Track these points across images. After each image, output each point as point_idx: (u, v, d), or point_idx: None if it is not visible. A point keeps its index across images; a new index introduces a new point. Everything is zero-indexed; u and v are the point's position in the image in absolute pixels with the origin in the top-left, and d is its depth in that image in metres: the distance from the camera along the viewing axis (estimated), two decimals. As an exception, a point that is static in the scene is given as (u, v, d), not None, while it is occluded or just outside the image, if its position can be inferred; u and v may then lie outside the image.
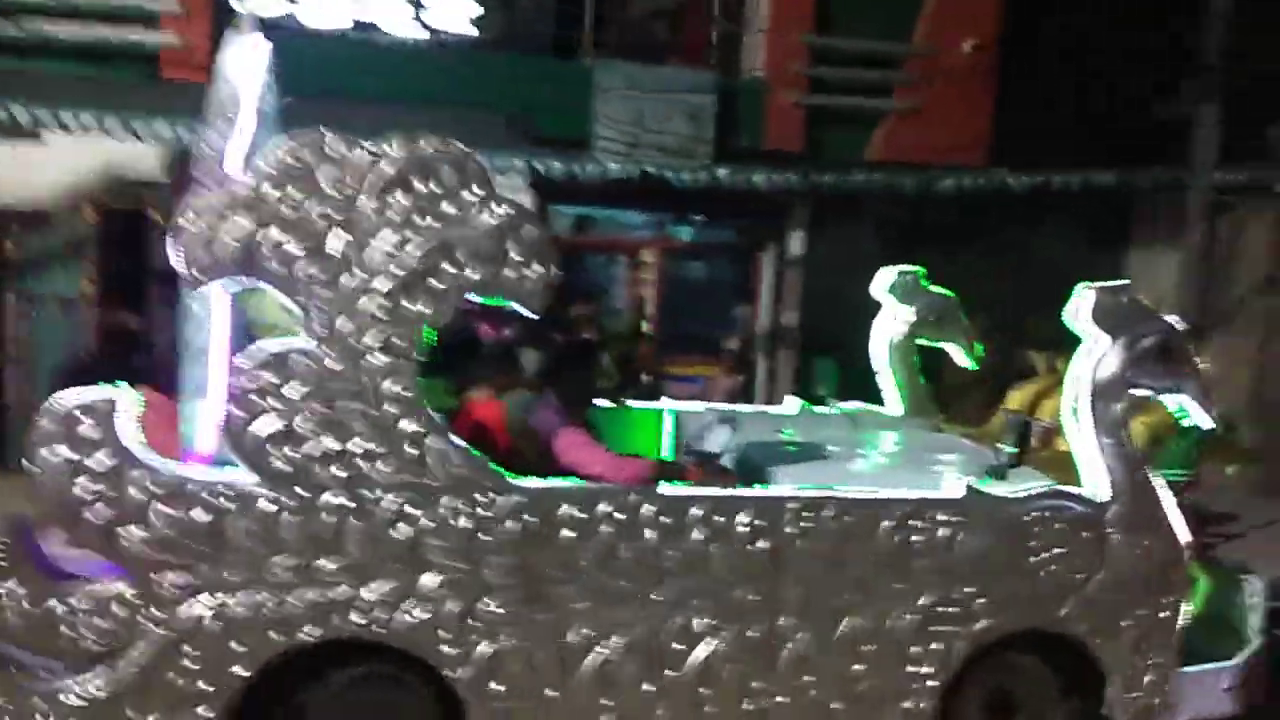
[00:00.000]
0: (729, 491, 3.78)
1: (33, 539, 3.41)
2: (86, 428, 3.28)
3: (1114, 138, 10.20)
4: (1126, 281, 4.11)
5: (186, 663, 3.41)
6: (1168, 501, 4.08)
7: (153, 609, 3.38)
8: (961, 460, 4.72)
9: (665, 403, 5.66)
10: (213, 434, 3.57)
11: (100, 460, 3.29)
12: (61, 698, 3.37)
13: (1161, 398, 4.13)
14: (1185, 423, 4.23)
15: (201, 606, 3.40)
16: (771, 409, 5.71)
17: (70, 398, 3.30)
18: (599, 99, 8.98)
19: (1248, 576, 4.36)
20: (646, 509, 3.66)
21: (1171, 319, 4.07)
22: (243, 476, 3.40)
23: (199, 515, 3.37)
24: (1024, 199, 9.96)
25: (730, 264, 10.74)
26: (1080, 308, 4.03)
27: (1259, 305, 10.02)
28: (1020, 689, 4.22)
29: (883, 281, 5.80)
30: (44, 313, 8.01)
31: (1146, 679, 4.09)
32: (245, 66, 3.95)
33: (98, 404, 3.30)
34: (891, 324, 5.76)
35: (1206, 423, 4.12)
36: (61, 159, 7.74)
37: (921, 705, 3.95)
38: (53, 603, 3.33)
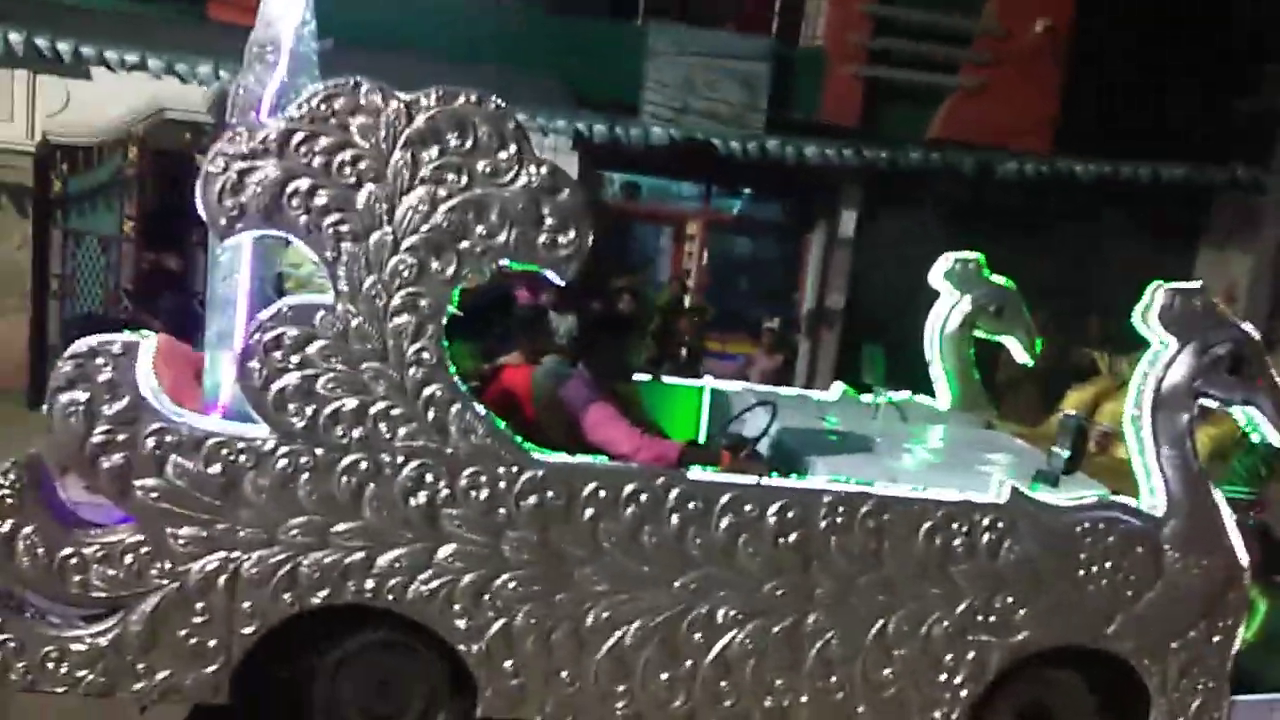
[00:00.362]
0: (761, 481, 3.60)
1: (50, 482, 3.36)
2: (105, 373, 3.21)
3: (1185, 132, 9.78)
4: (1200, 283, 3.83)
5: (196, 619, 3.35)
6: (1229, 520, 3.83)
7: (164, 562, 3.31)
8: (1011, 461, 4.50)
9: (706, 380, 5.49)
10: (233, 387, 3.48)
11: (117, 407, 3.22)
12: (73, 646, 3.33)
13: (1230, 410, 3.87)
14: (1254, 437, 3.96)
15: (213, 563, 3.33)
16: (814, 393, 5.50)
17: (90, 342, 3.22)
18: (650, 62, 8.78)
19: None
20: (674, 493, 3.51)
21: (1247, 327, 3.80)
22: (260, 432, 3.31)
23: (214, 470, 3.28)
24: (1091, 189, 9.58)
25: (777, 241, 10.50)
26: (1150, 308, 3.77)
27: None
28: (1055, 705, 4.03)
29: (941, 268, 5.55)
30: (87, 250, 8.03)
31: (1194, 704, 3.87)
32: (286, 8, 3.82)
33: (117, 349, 3.22)
34: (947, 313, 5.51)
35: (1278, 440, 3.84)
36: (109, 97, 7.72)
37: (952, 716, 3.77)
38: (67, 550, 3.28)
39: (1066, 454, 3.80)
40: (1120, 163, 9.24)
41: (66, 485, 3.47)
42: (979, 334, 5.60)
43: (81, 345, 3.22)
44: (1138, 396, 3.82)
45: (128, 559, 3.30)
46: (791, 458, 4.13)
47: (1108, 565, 3.75)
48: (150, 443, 3.25)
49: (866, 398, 5.47)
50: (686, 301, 9.52)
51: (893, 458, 4.38)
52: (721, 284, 10.16)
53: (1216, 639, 3.85)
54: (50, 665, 3.33)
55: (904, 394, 5.56)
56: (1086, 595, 3.76)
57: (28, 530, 3.26)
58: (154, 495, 3.27)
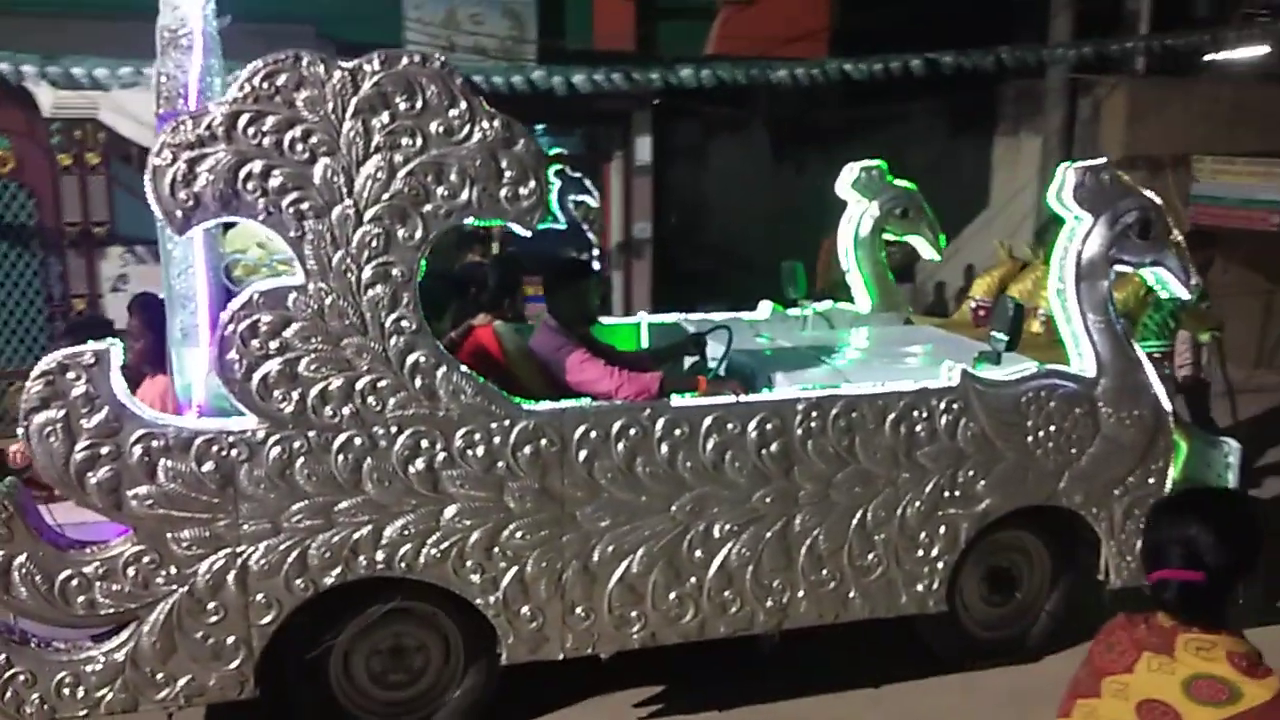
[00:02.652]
0: (739, 398, 3.77)
1: (34, 508, 3.25)
2: (79, 387, 3.11)
3: (965, 23, 9.91)
4: (1104, 159, 4.15)
5: (210, 619, 3.33)
6: (1151, 373, 4.22)
7: (169, 568, 3.27)
8: (939, 348, 4.80)
9: (640, 316, 5.61)
10: (205, 383, 3.42)
11: (97, 419, 3.14)
12: (87, 668, 3.27)
13: (1140, 271, 4.24)
14: (1162, 294, 4.36)
15: (219, 560, 3.30)
16: (745, 315, 5.70)
17: (56, 358, 3.11)
18: (410, 1, 8.47)
19: (1224, 439, 4.56)
20: (660, 422, 3.65)
21: (1149, 194, 4.15)
22: (249, 424, 3.27)
23: (208, 467, 3.24)
24: (893, 93, 9.75)
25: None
26: (1064, 187, 4.07)
27: None
28: (1016, 565, 4.40)
29: (847, 178, 5.79)
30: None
31: (1139, 542, 4.28)
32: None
33: (88, 360, 3.12)
34: (859, 220, 5.76)
35: (1185, 294, 4.24)
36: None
37: (934, 586, 4.08)
38: (65, 573, 3.20)
39: (1005, 336, 4.10)
40: (890, 58, 9.12)
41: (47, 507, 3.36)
42: (888, 236, 5.90)
43: (49, 362, 3.10)
44: (1060, 270, 4.14)
45: (130, 571, 3.24)
46: (747, 376, 4.31)
47: (1052, 429, 4.10)
48: (137, 450, 3.18)
49: (793, 311, 5.70)
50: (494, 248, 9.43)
51: (836, 361, 4.62)
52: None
53: (1151, 481, 4.26)
54: (66, 691, 3.26)
55: (826, 303, 5.82)
56: (1036, 459, 4.10)
57: (21, 559, 3.16)
58: (149, 503, 3.21)
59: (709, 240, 11.11)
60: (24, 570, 3.17)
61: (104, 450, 3.16)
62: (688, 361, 4.44)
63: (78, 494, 3.18)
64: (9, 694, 3.23)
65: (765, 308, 5.72)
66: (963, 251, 10.69)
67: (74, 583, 3.21)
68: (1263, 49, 11.05)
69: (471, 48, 8.54)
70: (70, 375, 3.11)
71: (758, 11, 9.69)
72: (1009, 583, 4.43)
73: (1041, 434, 4.09)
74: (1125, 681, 1.74)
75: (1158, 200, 4.13)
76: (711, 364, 4.29)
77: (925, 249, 6.00)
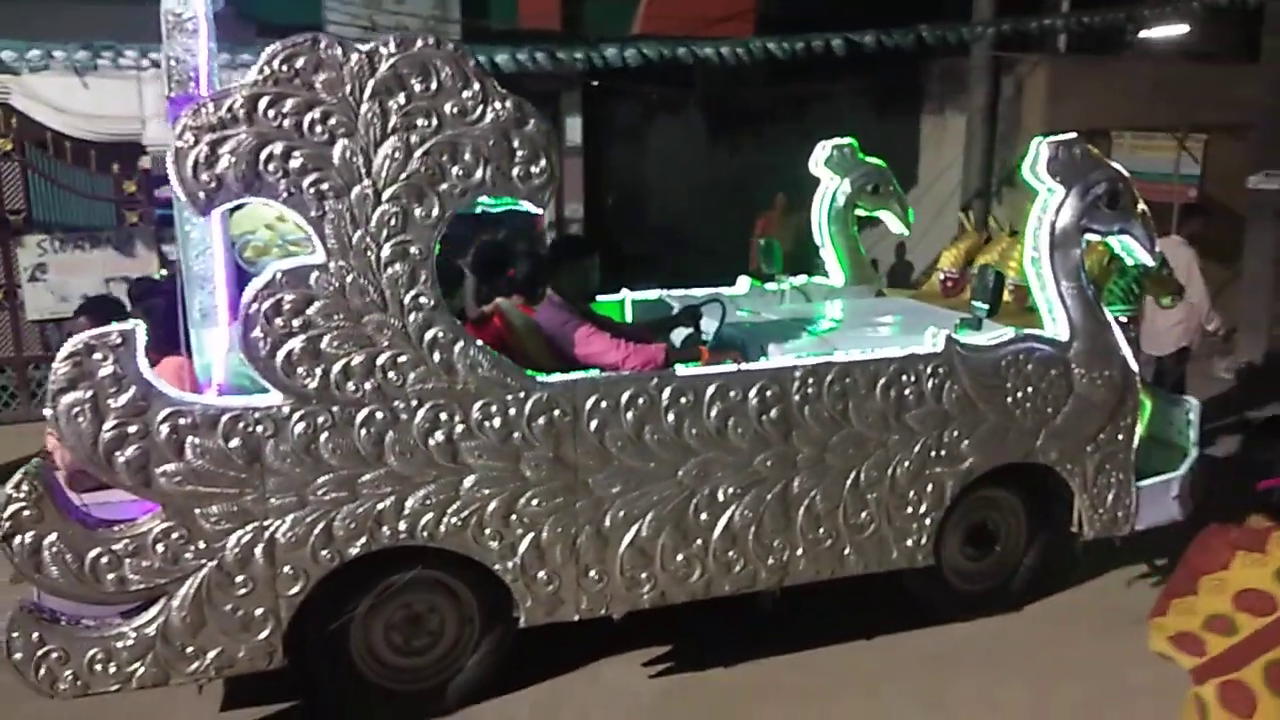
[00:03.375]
0: (740, 367, 3.94)
1: (60, 488, 3.30)
2: (106, 367, 3.16)
3: (894, 2, 9.88)
4: (1074, 134, 4.38)
5: (239, 591, 3.41)
6: (1119, 335, 4.47)
7: (198, 543, 3.34)
8: (915, 318, 5.02)
9: (624, 293, 5.74)
10: (225, 362, 3.48)
11: (124, 399, 3.19)
12: (117, 644, 3.33)
13: (1108, 239, 4.49)
14: (1128, 261, 4.61)
15: (247, 534, 3.38)
16: (726, 290, 5.87)
17: (84, 338, 3.16)
18: None
19: (1184, 398, 4.85)
20: (667, 391, 3.80)
21: (1116, 165, 4.39)
22: (274, 400, 3.35)
23: (235, 443, 3.31)
24: (822, 72, 9.80)
25: None
26: (1037, 160, 4.29)
27: None
28: (995, 521, 4.64)
29: (819, 156, 5.97)
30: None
31: (1110, 495, 4.56)
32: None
33: (115, 340, 3.17)
34: (831, 196, 5.96)
35: (1149, 260, 4.51)
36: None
37: (922, 541, 4.30)
38: (95, 551, 3.25)
39: (983, 304, 4.32)
40: (813, 37, 9.09)
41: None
42: (860, 212, 6.10)
43: (76, 343, 3.14)
44: (1035, 239, 4.37)
45: (160, 547, 3.31)
46: (739, 347, 4.48)
47: (1030, 390, 4.33)
48: (165, 428, 3.24)
49: (770, 285, 5.88)
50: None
51: (821, 331, 4.81)
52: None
53: (1120, 437, 4.53)
54: (99, 667, 3.33)
55: (801, 278, 6.01)
56: (1015, 418, 4.34)
57: (52, 539, 3.21)
58: (178, 480, 3.28)
59: (646, 221, 11.21)
60: (55, 549, 3.22)
61: (132, 429, 3.21)
62: (683, 333, 4.58)
63: (106, 473, 3.23)
64: (42, 671, 3.29)
65: (744, 283, 5.89)
66: (892, 235, 10.90)
67: (104, 560, 3.27)
68: (1181, 27, 11.42)
69: (394, 28, 8.28)
70: (97, 356, 3.16)
71: None
72: (989, 538, 4.67)
73: (1020, 395, 4.32)
74: (1222, 578, 1.93)
75: (1125, 172, 4.38)
76: (705, 336, 4.44)
77: (894, 223, 6.21)
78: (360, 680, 3.79)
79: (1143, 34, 11.98)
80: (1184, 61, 11.66)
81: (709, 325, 4.51)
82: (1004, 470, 4.46)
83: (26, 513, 3.18)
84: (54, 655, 3.29)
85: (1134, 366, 4.51)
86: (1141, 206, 4.42)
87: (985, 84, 10.53)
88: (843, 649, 4.37)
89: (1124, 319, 5.01)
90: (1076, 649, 4.34)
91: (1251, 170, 8.72)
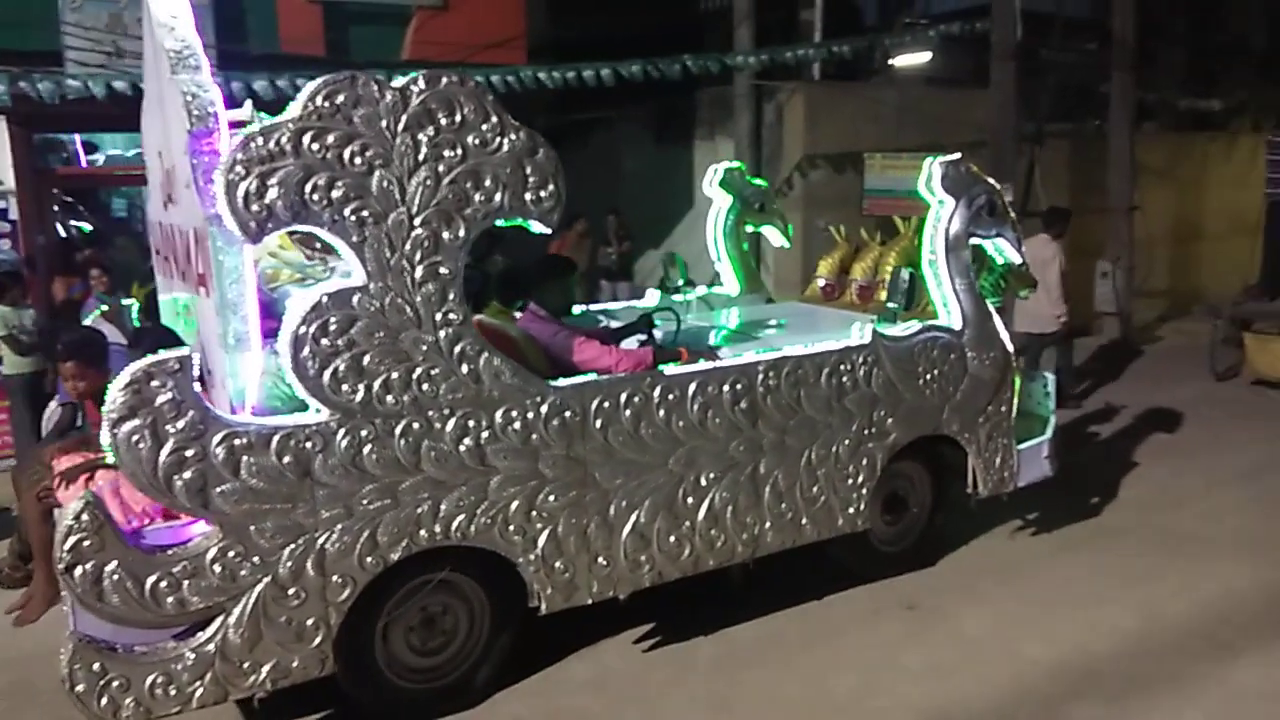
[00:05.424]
0: (714, 364, 4.44)
1: (111, 518, 3.32)
2: (165, 394, 3.25)
3: (656, 32, 10.63)
4: (959, 154, 5.20)
5: (293, 603, 3.54)
6: (999, 324, 5.33)
7: (254, 559, 3.46)
8: (821, 319, 5.73)
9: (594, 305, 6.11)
10: (259, 385, 3.61)
11: (182, 424, 3.28)
12: (176, 666, 3.39)
13: (985, 242, 5.34)
14: (999, 259, 5.49)
15: (299, 547, 3.53)
16: (637, 303, 6.36)
17: (141, 366, 3.23)
18: (67, 6, 8.04)
19: (1041, 373, 5.80)
20: (657, 390, 4.24)
21: (991, 180, 5.25)
22: (321, 416, 3.53)
23: (287, 460, 3.47)
24: (607, 102, 10.24)
25: None
26: (932, 178, 5.08)
27: (800, 187, 11.01)
28: (905, 489, 5.37)
29: (713, 178, 6.59)
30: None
31: (998, 459, 5.40)
32: (179, 8, 3.84)
33: (173, 367, 3.26)
34: (727, 214, 6.58)
35: (1018, 259, 5.40)
36: None
37: (861, 508, 4.95)
38: (154, 575, 3.31)
39: (898, 304, 5.05)
40: (583, 66, 9.42)
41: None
42: (748, 227, 6.77)
43: (134, 371, 3.21)
44: (932, 244, 5.15)
45: (217, 567, 3.40)
46: (704, 349, 4.95)
47: (936, 372, 5.09)
48: (221, 451, 3.35)
49: (676, 296, 6.43)
50: None
51: (754, 332, 5.40)
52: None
53: (1003, 409, 5.38)
54: (159, 691, 3.37)
55: (701, 289, 6.60)
56: (926, 397, 5.08)
57: (112, 566, 3.25)
58: (235, 498, 3.39)
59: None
60: (115, 577, 3.25)
61: (189, 452, 3.31)
62: (637, 339, 5.01)
63: (165, 496, 3.30)
64: (105, 700, 3.30)
65: (654, 295, 6.40)
66: (678, 247, 10.61)
67: (163, 584, 3.33)
68: (924, 56, 12.82)
69: (138, 54, 7.97)
70: (155, 383, 3.24)
71: (453, 17, 9.72)
72: (901, 504, 5.39)
73: (929, 377, 5.07)
74: None
75: (997, 185, 5.24)
76: (663, 341, 4.91)
77: (776, 237, 6.91)
78: (385, 683, 3.97)
79: (891, 62, 13.23)
80: (927, 87, 12.75)
81: (661, 332, 4.98)
82: (911, 444, 5.19)
83: (87, 543, 3.21)
84: (115, 684, 3.31)
85: (1010, 348, 5.38)
86: (1012, 215, 5.30)
87: (749, 111, 10.99)
88: (800, 610, 4.94)
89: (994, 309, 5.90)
90: (845, 637, 4.71)
91: None
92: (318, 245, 4.21)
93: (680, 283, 6.57)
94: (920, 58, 13.12)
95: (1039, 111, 11.17)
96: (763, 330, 5.58)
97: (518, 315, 4.57)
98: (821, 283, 6.90)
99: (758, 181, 6.75)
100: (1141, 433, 7.97)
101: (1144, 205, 11.93)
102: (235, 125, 3.73)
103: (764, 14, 11.11)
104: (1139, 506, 6.34)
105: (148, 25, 4.07)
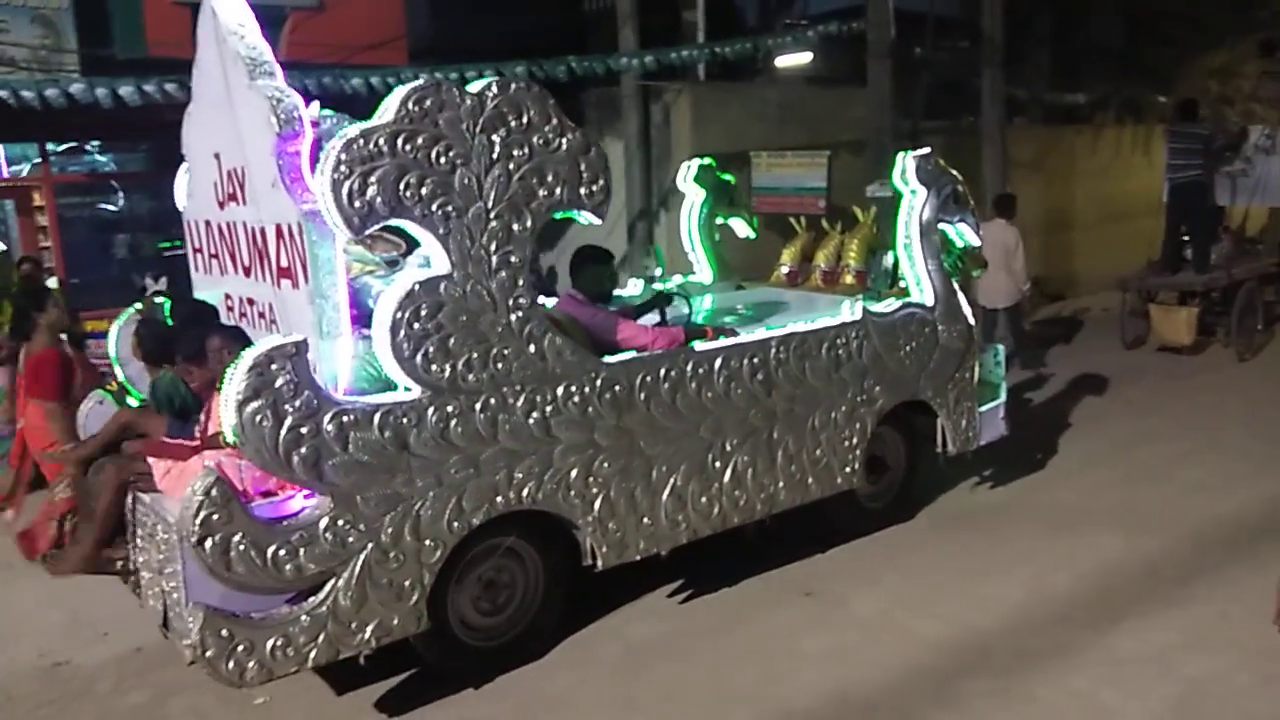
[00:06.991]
0: (735, 340, 4.92)
1: (238, 491, 3.58)
2: (284, 376, 3.52)
3: (539, 32, 10.66)
4: (929, 149, 5.82)
5: (392, 565, 3.86)
6: (962, 300, 5.98)
7: (360, 526, 3.76)
8: (798, 300, 6.28)
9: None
10: (351, 368, 3.90)
11: (299, 403, 3.57)
12: (293, 628, 3.67)
13: (949, 226, 5.97)
14: (959, 242, 6.14)
15: (398, 514, 3.85)
16: (624, 291, 6.79)
17: (262, 350, 3.50)
18: None
19: (995, 345, 6.49)
20: (689, 365, 4.69)
21: (954, 172, 5.89)
22: (413, 394, 3.85)
23: (388, 434, 3.78)
24: None
25: (149, 193, 9.50)
26: (906, 169, 5.68)
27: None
28: (884, 452, 5.97)
29: (686, 173, 7.07)
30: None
31: (964, 421, 6.05)
32: (244, 16, 4.10)
33: (291, 350, 3.53)
34: (700, 207, 7.07)
35: (977, 241, 6.07)
36: None
37: (855, 467, 5.52)
38: (274, 544, 3.58)
39: (884, 285, 5.64)
40: (466, 67, 9.04)
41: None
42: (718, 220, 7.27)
43: (256, 355, 3.48)
44: (906, 229, 5.75)
45: (329, 535, 3.69)
46: (721, 328, 5.41)
47: (914, 344, 5.70)
48: (332, 428, 3.65)
49: (657, 285, 6.88)
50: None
51: (749, 315, 5.91)
52: (86, 252, 9.21)
53: (968, 376, 6.04)
54: (279, 653, 3.64)
55: (679, 278, 7.08)
56: (906, 366, 5.68)
57: (238, 538, 3.50)
58: (344, 471, 3.69)
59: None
60: (241, 547, 3.51)
61: (304, 429, 3.59)
62: (656, 316, 5.44)
63: (285, 471, 3.58)
64: (231, 664, 3.55)
65: (637, 284, 6.85)
66: (574, 244, 10.99)
67: (282, 552, 3.60)
68: (805, 56, 13.11)
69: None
70: (275, 365, 3.51)
71: (329, 18, 9.63)
72: (881, 464, 5.99)
73: (909, 348, 5.68)
74: None
75: (959, 176, 5.89)
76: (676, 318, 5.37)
77: (742, 228, 7.44)
78: (453, 639, 4.30)
79: (775, 62, 13.51)
80: (808, 87, 13.11)
81: (674, 312, 5.43)
82: (893, 410, 5.79)
83: (216, 516, 3.46)
84: (240, 648, 3.56)
85: (972, 321, 6.03)
86: (971, 203, 5.95)
87: (637, 111, 10.92)
88: (810, 562, 5.46)
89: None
90: (747, 626, 4.79)
91: (867, 181, 9.59)
92: (367, 240, 4.51)
93: (659, 271, 7.03)
94: (801, 58, 13.44)
95: (915, 109, 11.27)
96: (751, 312, 6.09)
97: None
98: (785, 269, 7.45)
99: (726, 178, 7.25)
100: (1046, 405, 8.63)
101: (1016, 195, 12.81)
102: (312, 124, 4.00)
103: (647, 16, 11.15)
104: (1025, 486, 6.62)
105: (211, 32, 4.29)
